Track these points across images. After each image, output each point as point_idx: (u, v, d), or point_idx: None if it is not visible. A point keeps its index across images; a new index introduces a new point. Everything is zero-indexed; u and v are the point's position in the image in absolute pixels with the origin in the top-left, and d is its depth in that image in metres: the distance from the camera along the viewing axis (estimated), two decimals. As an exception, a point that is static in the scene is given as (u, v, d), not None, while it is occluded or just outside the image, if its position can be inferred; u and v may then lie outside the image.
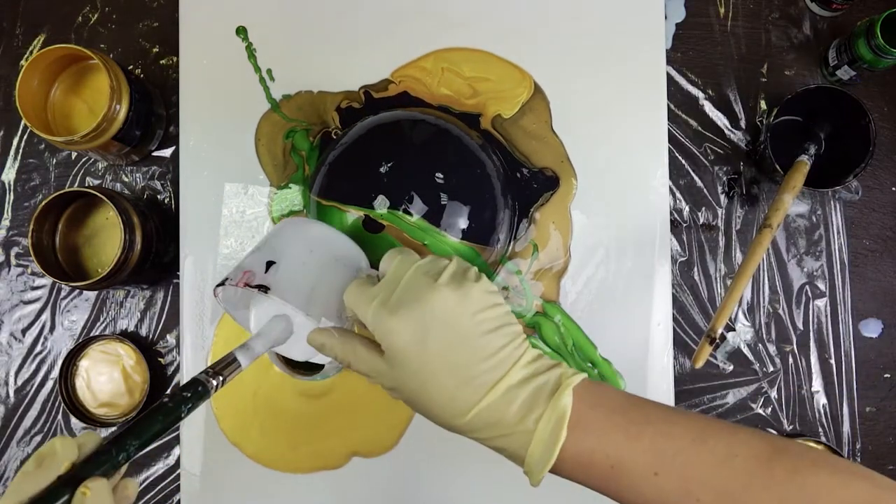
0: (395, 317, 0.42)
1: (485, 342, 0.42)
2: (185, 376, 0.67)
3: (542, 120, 0.67)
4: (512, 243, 0.66)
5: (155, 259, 0.66)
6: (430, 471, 0.65)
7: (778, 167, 0.63)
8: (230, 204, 0.68)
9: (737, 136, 0.70)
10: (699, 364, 0.64)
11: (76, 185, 0.72)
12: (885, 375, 0.69)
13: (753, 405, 0.68)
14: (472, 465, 0.65)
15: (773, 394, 0.68)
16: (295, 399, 0.66)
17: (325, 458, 0.66)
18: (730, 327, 0.69)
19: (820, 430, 0.68)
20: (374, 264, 0.49)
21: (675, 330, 0.67)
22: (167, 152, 0.72)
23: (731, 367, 0.69)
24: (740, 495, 0.38)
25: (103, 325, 0.72)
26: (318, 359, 0.53)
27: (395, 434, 0.66)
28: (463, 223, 0.59)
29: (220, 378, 0.42)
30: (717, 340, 0.68)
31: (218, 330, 0.67)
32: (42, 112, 0.67)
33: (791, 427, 0.68)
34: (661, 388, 0.65)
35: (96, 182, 0.72)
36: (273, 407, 0.66)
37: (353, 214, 0.59)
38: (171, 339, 0.71)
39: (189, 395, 0.40)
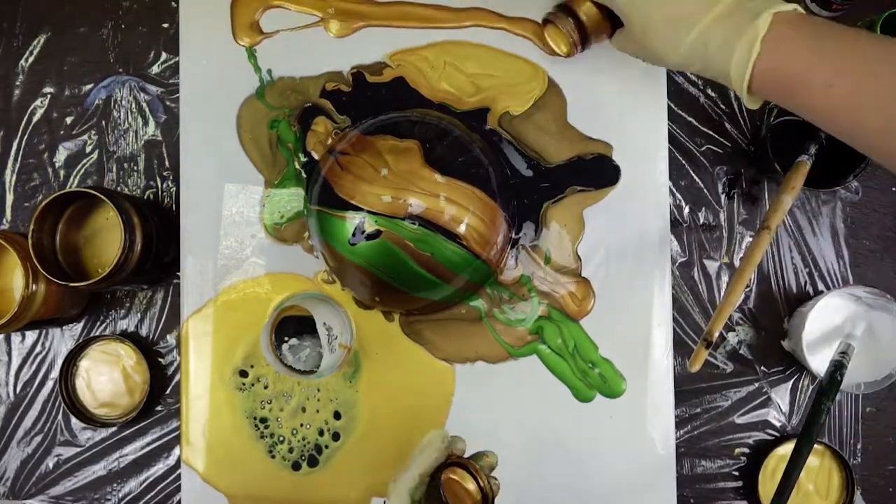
0: None
1: None
2: (184, 376, 0.67)
3: (557, 115, 0.67)
4: (516, 246, 0.66)
5: (155, 259, 0.66)
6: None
7: (778, 167, 0.63)
8: (230, 204, 0.68)
9: (737, 136, 0.70)
10: (695, 368, 0.64)
11: (76, 185, 0.72)
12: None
13: (753, 405, 0.68)
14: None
15: (773, 394, 0.68)
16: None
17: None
18: (730, 327, 0.69)
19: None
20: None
21: (675, 330, 0.67)
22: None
23: (731, 367, 0.69)
24: None
25: (103, 325, 0.72)
26: (322, 365, 0.58)
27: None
28: (462, 227, 0.59)
29: None
30: (715, 342, 0.68)
31: (214, 328, 0.67)
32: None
33: (791, 427, 0.68)
34: (662, 388, 0.65)
35: (96, 182, 0.72)
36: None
37: (352, 219, 0.59)
38: (171, 339, 0.71)
39: None
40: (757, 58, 0.47)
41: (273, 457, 0.66)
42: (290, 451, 0.66)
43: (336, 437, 0.66)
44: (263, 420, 0.66)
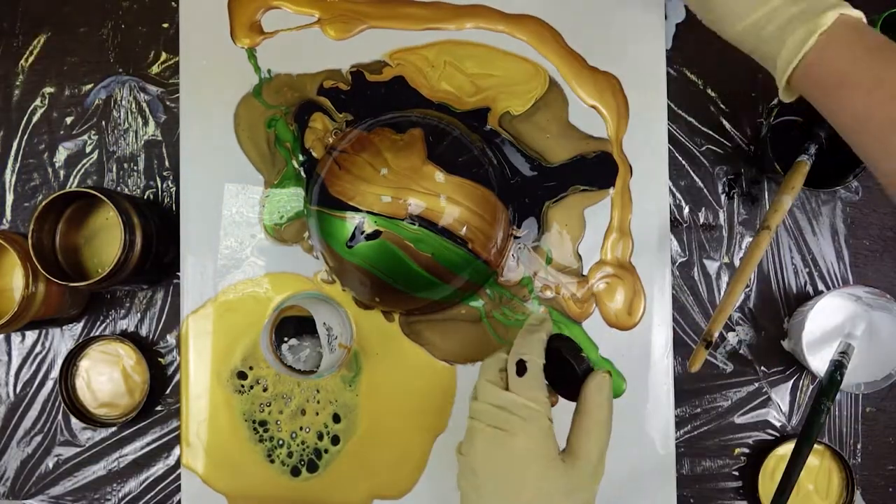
0: None
1: None
2: (184, 376, 0.67)
3: (558, 115, 0.67)
4: (517, 241, 0.66)
5: (155, 259, 0.66)
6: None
7: (778, 167, 0.63)
8: (230, 204, 0.68)
9: (737, 136, 0.70)
10: (695, 368, 0.64)
11: (76, 185, 0.72)
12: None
13: (753, 405, 0.68)
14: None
15: (773, 394, 0.68)
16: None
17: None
18: (729, 327, 0.69)
19: (820, 430, 0.68)
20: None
21: (675, 330, 0.67)
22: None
23: (731, 367, 0.69)
24: None
25: (103, 325, 0.72)
26: (322, 365, 0.58)
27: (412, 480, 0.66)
28: (463, 227, 0.59)
29: None
30: (715, 342, 0.68)
31: (213, 328, 0.67)
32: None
33: (791, 427, 0.68)
34: (662, 388, 0.65)
35: (96, 182, 0.72)
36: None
37: (352, 220, 0.59)
38: (171, 339, 0.71)
39: None
40: (810, 49, 0.47)
41: (272, 461, 0.66)
42: (290, 455, 0.66)
43: (336, 440, 0.66)
44: (263, 423, 0.66)
